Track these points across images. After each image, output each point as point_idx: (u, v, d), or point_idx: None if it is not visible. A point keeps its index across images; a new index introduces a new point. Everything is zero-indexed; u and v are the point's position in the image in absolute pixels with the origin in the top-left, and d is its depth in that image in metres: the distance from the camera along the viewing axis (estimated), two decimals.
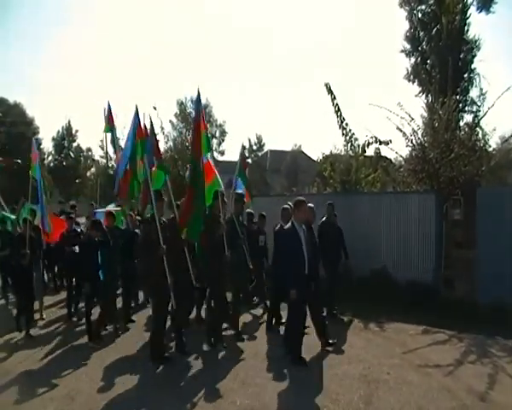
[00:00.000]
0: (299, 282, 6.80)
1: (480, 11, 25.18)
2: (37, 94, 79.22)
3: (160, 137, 19.66)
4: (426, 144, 12.26)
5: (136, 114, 7.56)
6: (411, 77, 27.07)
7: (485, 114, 12.85)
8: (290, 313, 7.21)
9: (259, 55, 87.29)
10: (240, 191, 9.52)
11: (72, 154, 47.52)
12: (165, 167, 8.30)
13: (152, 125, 7.96)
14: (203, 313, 9.20)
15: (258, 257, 9.45)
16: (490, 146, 13.10)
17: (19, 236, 9.45)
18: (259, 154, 51.02)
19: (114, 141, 11.06)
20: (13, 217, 12.18)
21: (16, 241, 9.39)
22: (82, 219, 13.65)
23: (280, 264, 7.60)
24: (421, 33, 26.61)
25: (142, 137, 7.52)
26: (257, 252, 9.36)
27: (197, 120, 8.08)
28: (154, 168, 7.67)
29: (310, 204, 7.70)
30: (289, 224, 7.13)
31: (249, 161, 48.62)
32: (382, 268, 10.79)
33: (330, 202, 9.94)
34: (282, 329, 8.37)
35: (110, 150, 23.10)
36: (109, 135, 11.99)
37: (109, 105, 11.00)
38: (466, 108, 23.39)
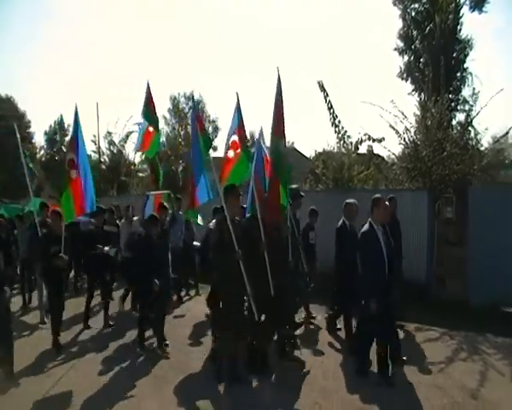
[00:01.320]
0: (380, 290, 5.97)
1: (473, 10, 25.32)
2: (28, 88, 78.68)
3: None
4: (418, 142, 12.31)
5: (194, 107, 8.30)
6: (404, 75, 27.18)
7: (477, 113, 12.91)
8: (363, 324, 6.44)
9: (253, 51, 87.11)
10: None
11: (64, 148, 47.21)
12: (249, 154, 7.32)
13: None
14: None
15: (310, 258, 8.36)
16: (482, 145, 13.16)
17: (47, 233, 8.08)
18: (252, 150, 51.11)
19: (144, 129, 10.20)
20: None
21: (44, 239, 8.01)
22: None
23: (348, 266, 7.14)
24: (415, 32, 26.70)
25: (203, 130, 7.18)
26: (308, 251, 8.27)
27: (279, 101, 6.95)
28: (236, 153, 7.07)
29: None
30: (367, 225, 6.28)
31: None
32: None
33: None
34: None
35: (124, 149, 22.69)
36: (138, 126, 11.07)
37: (148, 86, 10.07)
38: (458, 107, 23.50)
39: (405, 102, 33.85)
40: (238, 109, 7.03)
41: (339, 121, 13.87)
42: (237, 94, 7.06)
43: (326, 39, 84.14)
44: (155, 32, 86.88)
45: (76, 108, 8.24)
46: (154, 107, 9.53)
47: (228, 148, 7.07)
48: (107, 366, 6.98)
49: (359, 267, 6.32)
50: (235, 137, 7.04)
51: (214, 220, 7.74)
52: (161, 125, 24.50)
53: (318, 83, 13.90)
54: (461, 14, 25.05)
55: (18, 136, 9.28)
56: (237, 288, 6.05)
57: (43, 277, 8.41)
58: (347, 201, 7.91)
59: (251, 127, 64.46)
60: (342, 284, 7.71)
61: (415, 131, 12.53)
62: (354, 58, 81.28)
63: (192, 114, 7.77)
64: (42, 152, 47.83)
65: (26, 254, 10.56)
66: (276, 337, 7.06)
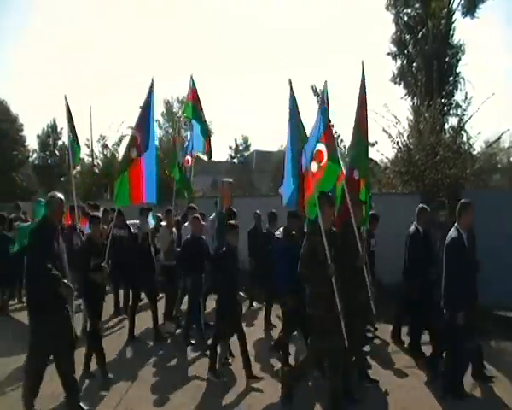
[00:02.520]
0: (469, 302, 5.63)
1: (465, 16, 25.51)
2: (21, 91, 78.30)
3: None
4: (411, 146, 12.37)
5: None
6: (397, 79, 27.33)
7: (469, 118, 13.01)
8: (456, 343, 5.80)
9: (246, 55, 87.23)
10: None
11: (57, 152, 47.07)
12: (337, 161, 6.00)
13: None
14: None
15: (370, 266, 7.30)
16: (474, 150, 13.27)
17: (88, 241, 6.81)
18: (245, 154, 51.05)
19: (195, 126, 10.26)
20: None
21: (86, 248, 6.71)
22: None
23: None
24: (408, 36, 26.87)
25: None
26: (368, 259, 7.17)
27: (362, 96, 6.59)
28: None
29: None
30: (454, 231, 5.87)
31: (235, 161, 48.79)
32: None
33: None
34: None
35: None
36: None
37: (192, 79, 9.99)
38: (451, 112, 23.64)
39: (398, 107, 34.01)
40: (323, 111, 6.10)
41: (332, 125, 13.91)
42: (325, 91, 6.71)
43: (326, 39, 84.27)
44: (154, 32, 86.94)
45: (152, 81, 7.69)
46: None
47: (311, 159, 5.89)
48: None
49: (447, 277, 5.87)
50: (320, 147, 5.92)
51: (281, 228, 7.25)
52: (154, 129, 24.54)
53: (311, 87, 13.98)
54: (453, 20, 25.26)
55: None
56: (332, 309, 5.17)
57: (83, 297, 6.77)
58: (421, 206, 7.57)
59: (250, 128, 64.23)
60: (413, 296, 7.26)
61: (408, 136, 12.62)
62: (347, 62, 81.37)
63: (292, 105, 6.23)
64: (34, 155, 47.58)
65: None
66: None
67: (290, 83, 6.10)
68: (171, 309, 9.03)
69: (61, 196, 5.41)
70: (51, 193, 5.53)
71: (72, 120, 8.22)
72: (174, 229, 9.32)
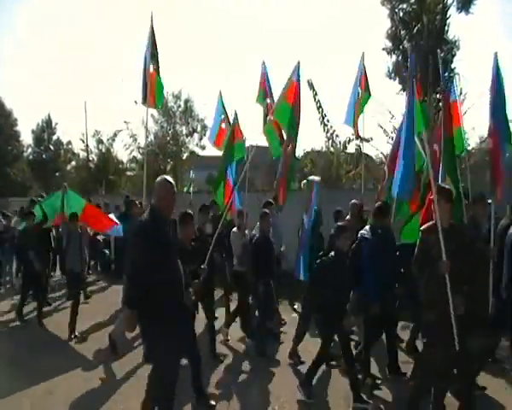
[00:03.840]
0: None
1: (460, 11, 25.49)
2: (15, 86, 77.91)
3: (141, 131, 19.51)
4: None
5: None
6: (392, 75, 27.29)
7: (464, 113, 13.01)
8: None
9: (241, 49, 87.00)
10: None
11: (51, 147, 46.87)
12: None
13: None
14: None
15: None
16: (469, 145, 13.30)
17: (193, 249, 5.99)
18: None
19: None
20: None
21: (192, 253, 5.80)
22: None
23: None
24: (403, 32, 26.84)
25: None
26: None
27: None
28: None
29: None
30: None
31: None
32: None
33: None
34: None
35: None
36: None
37: (264, 65, 9.98)
38: None
39: (394, 102, 34.05)
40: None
41: (327, 120, 13.96)
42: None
43: (314, 38, 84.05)
44: (144, 31, 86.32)
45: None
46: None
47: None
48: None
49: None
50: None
51: (367, 227, 6.46)
52: (150, 123, 24.45)
53: (308, 81, 13.97)
54: (448, 15, 25.25)
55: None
56: (445, 314, 4.61)
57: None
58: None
59: (246, 123, 64.54)
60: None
61: None
62: (342, 57, 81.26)
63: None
64: (29, 150, 47.37)
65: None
66: None
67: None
68: (244, 320, 8.20)
69: (169, 179, 4.54)
70: (159, 178, 4.54)
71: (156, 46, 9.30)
72: (246, 231, 8.44)
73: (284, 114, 7.65)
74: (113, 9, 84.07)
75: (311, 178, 8.22)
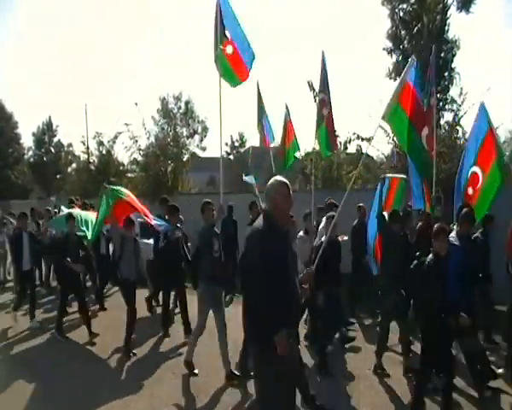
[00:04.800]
0: None
1: (460, 11, 25.48)
2: (15, 89, 78.04)
3: (141, 132, 19.54)
4: None
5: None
6: (393, 75, 27.26)
7: (465, 113, 13.02)
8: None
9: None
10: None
11: (52, 149, 46.89)
12: None
13: None
14: None
15: None
16: None
17: None
18: (241, 150, 50.99)
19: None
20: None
21: None
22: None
23: None
24: (403, 32, 26.82)
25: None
26: None
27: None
28: None
29: None
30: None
31: (231, 157, 48.75)
32: (366, 265, 10.80)
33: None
34: None
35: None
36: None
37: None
38: (446, 107, 23.61)
39: None
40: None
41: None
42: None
43: (315, 39, 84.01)
44: (144, 32, 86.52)
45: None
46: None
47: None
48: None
49: None
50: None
51: (453, 233, 6.36)
52: (150, 125, 24.57)
53: (308, 82, 13.95)
54: (448, 15, 25.25)
55: None
56: None
57: None
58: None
59: (246, 124, 64.32)
60: None
61: None
62: (343, 58, 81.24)
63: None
64: (30, 153, 47.40)
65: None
66: None
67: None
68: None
69: (285, 180, 3.82)
70: (272, 179, 3.85)
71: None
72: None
73: (399, 121, 6.05)
74: (113, 9, 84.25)
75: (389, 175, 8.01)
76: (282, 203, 3.68)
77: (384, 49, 27.81)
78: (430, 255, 5.40)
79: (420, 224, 8.40)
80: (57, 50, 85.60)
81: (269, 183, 3.79)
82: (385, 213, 7.02)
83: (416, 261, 5.78)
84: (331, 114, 7.94)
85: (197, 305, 6.68)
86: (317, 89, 14.27)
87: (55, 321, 8.71)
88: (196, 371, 6.78)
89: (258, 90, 9.85)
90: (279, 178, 3.81)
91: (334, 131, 8.29)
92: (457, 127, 13.02)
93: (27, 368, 7.10)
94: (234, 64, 7.30)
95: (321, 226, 7.86)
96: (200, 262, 6.71)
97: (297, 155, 8.42)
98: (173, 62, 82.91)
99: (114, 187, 9.11)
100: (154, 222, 8.63)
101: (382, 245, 7.00)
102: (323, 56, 8.41)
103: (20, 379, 6.61)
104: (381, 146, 14.91)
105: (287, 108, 9.13)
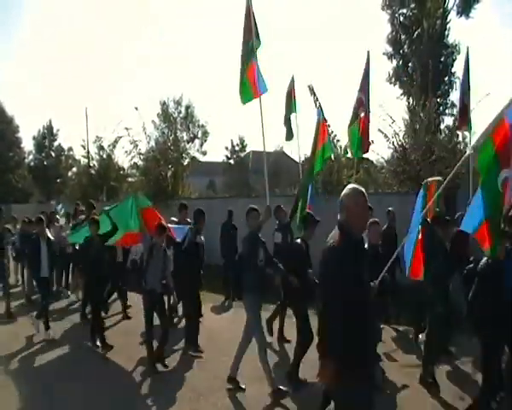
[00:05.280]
0: None
1: (460, 16, 25.57)
2: (16, 93, 78.21)
3: (142, 136, 19.56)
4: (407, 146, 12.40)
5: None
6: (393, 79, 27.35)
7: None
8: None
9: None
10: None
11: (53, 153, 46.99)
12: None
13: None
14: None
15: None
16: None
17: None
18: (242, 155, 50.99)
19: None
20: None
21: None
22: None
23: None
24: (403, 36, 26.90)
25: None
26: None
27: None
28: None
29: None
30: None
31: (231, 161, 48.74)
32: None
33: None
34: None
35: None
36: None
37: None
38: (446, 111, 23.73)
39: (394, 107, 34.09)
40: None
41: (328, 125, 13.93)
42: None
43: (315, 43, 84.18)
44: (145, 36, 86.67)
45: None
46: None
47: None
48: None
49: None
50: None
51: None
52: (150, 129, 24.56)
53: (308, 87, 13.96)
54: (448, 20, 25.31)
55: None
56: None
57: None
58: None
59: (246, 128, 64.25)
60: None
61: (403, 135, 12.64)
62: (343, 62, 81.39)
63: None
64: (30, 157, 47.50)
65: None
66: None
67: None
68: None
69: (361, 188, 3.55)
70: (347, 188, 3.57)
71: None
72: None
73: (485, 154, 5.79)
74: (112, 10, 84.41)
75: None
76: (358, 213, 3.42)
77: (384, 53, 27.98)
78: (484, 259, 5.31)
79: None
80: (57, 51, 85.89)
81: (344, 192, 3.52)
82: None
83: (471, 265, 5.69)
84: (367, 117, 8.10)
85: (247, 318, 6.15)
86: (317, 94, 14.38)
87: (90, 332, 8.08)
88: (244, 385, 6.19)
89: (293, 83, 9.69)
90: (354, 186, 3.57)
91: (368, 133, 8.39)
92: (457, 132, 13.02)
93: (44, 381, 6.68)
94: (251, 80, 6.91)
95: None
96: (244, 272, 6.18)
97: (329, 156, 8.28)
98: (173, 63, 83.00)
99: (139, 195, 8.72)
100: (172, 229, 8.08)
101: (427, 251, 6.69)
102: (368, 57, 8.48)
103: (37, 394, 6.26)
104: (380, 150, 14.99)
105: (320, 108, 8.86)
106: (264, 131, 6.65)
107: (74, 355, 7.76)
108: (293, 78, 9.53)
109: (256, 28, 6.77)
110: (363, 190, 3.48)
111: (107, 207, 8.77)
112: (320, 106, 9.36)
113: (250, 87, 6.84)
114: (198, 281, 8.16)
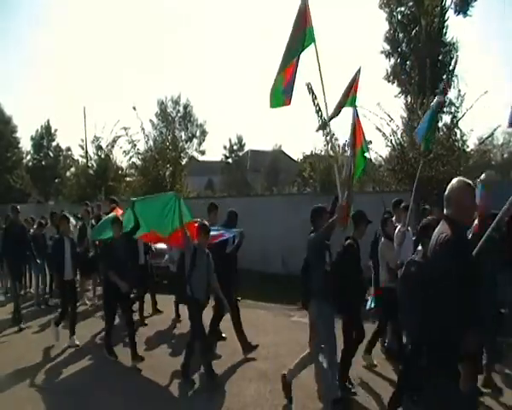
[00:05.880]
0: None
1: (458, 14, 25.61)
2: (15, 93, 78.00)
3: (140, 136, 19.53)
4: (405, 144, 12.40)
5: None
6: (391, 77, 27.38)
7: (463, 115, 13.02)
8: None
9: (244, 55, 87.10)
10: None
11: (51, 153, 46.90)
12: None
13: None
14: None
15: None
16: (468, 147, 13.32)
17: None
18: (240, 154, 51.05)
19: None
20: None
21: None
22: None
23: None
24: (401, 35, 26.93)
25: None
26: None
27: None
28: None
29: None
30: None
31: (229, 161, 48.79)
32: (366, 269, 10.74)
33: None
34: None
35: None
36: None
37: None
38: (444, 109, 23.67)
39: (392, 105, 34.12)
40: None
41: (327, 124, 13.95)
42: None
43: (325, 39, 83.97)
44: (143, 36, 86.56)
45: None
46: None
47: None
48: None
49: None
50: None
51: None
52: (148, 129, 24.60)
53: (307, 85, 13.94)
54: (446, 18, 25.34)
55: None
56: None
57: None
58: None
59: (244, 127, 64.19)
60: None
61: (401, 134, 12.64)
62: (340, 60, 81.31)
63: None
64: (28, 157, 47.40)
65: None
66: None
67: None
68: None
69: (468, 181, 3.50)
70: (454, 181, 3.50)
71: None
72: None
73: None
74: (113, 10, 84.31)
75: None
76: (467, 205, 3.41)
77: (382, 51, 27.99)
78: None
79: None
80: (55, 51, 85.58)
81: (451, 185, 3.47)
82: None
83: None
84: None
85: (310, 329, 5.66)
86: (317, 94, 14.36)
87: (104, 339, 7.68)
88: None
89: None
90: (461, 179, 3.49)
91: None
92: (455, 130, 13.03)
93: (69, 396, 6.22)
94: (286, 80, 6.39)
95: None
96: (311, 277, 5.62)
97: (366, 155, 7.56)
98: (173, 63, 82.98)
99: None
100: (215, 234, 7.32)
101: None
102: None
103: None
104: (379, 148, 15.02)
105: (355, 106, 8.31)
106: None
107: (101, 365, 7.26)
108: (359, 69, 8.51)
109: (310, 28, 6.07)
110: (470, 182, 3.45)
111: (134, 198, 8.11)
112: (318, 105, 9.29)
113: (282, 92, 6.27)
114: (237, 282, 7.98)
